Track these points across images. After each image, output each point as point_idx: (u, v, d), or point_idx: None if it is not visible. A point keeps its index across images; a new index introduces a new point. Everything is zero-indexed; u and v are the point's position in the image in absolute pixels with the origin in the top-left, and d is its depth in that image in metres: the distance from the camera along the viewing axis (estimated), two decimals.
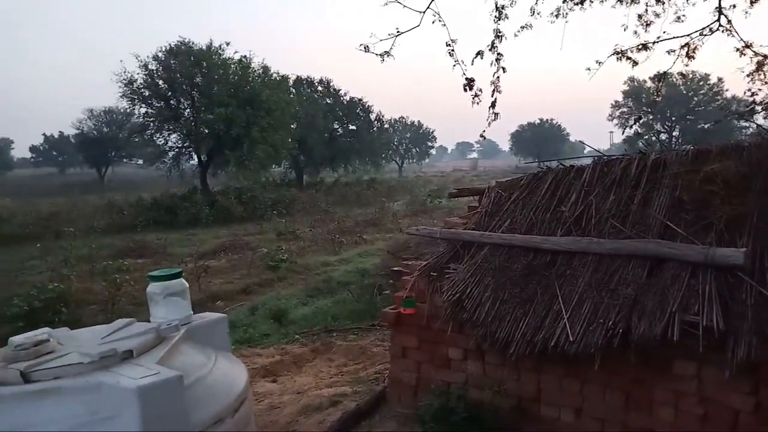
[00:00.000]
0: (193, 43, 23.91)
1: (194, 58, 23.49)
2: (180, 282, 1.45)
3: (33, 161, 79.46)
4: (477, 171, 61.71)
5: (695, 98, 44.61)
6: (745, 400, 2.59)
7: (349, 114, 36.89)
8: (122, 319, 1.43)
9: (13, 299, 6.99)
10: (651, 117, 44.40)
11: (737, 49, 6.01)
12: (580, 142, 8.61)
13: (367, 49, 4.19)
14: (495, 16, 4.34)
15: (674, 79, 34.42)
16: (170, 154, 25.86)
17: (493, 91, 4.37)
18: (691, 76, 41.40)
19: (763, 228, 2.78)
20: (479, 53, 4.19)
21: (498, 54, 4.29)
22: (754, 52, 5.94)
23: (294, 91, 31.58)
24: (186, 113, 24.24)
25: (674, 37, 6.07)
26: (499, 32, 4.30)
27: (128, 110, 27.60)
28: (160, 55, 23.59)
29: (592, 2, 5.58)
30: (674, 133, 45.29)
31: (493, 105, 4.43)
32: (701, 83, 43.96)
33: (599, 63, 5.96)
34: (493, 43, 4.28)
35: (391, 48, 4.29)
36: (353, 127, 37.20)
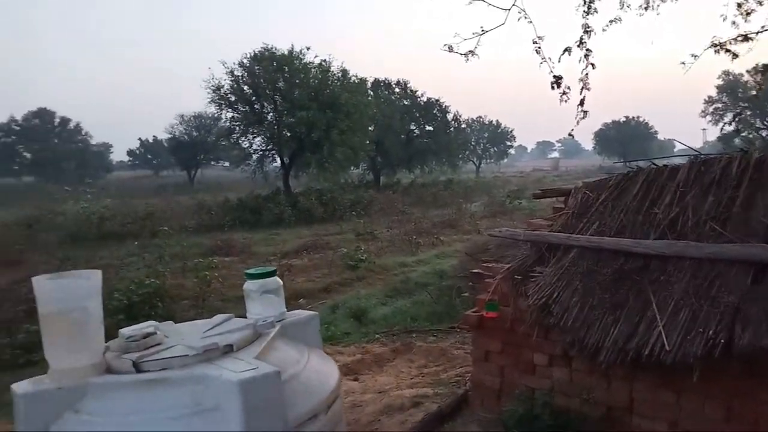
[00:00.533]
0: (275, 49, 24.72)
1: (277, 63, 24.27)
2: (275, 280, 1.50)
3: (130, 164, 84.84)
4: (558, 171, 59.89)
5: None
6: None
7: (426, 115, 36.85)
8: (221, 314, 1.49)
9: (113, 293, 7.48)
10: (749, 113, 41.41)
11: None
12: (672, 140, 8.17)
13: (451, 49, 4.17)
14: (583, 11, 4.19)
15: None
16: (254, 156, 26.83)
17: (582, 88, 4.23)
18: None
19: None
20: (567, 50, 4.07)
21: (587, 50, 4.14)
22: None
23: (372, 93, 31.93)
24: (269, 117, 25.09)
25: None
26: (588, 27, 4.15)
27: (216, 115, 28.89)
28: (245, 61, 24.58)
29: None
30: None
31: (581, 103, 4.29)
32: None
33: (695, 56, 5.61)
34: (581, 38, 4.14)
35: (475, 47, 4.24)
36: (430, 128, 37.13)
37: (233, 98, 24.57)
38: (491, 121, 70.06)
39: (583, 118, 4.32)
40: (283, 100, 24.35)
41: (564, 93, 4.18)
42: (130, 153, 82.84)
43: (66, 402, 1.12)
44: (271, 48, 24.72)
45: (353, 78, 26.49)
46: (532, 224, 4.08)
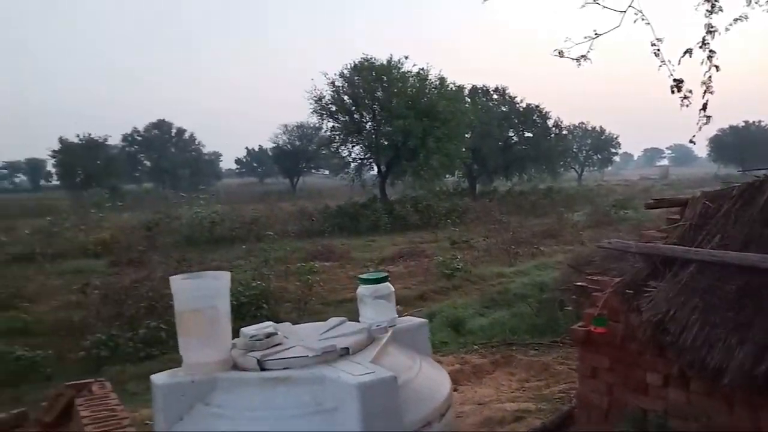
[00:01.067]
0: (374, 59, 25.19)
1: (376, 73, 24.71)
2: (386, 286, 1.52)
3: (237, 172, 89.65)
4: (668, 180, 56.23)
5: None
6: None
7: (525, 121, 35.95)
8: (335, 317, 1.54)
9: None
10: None
11: None
12: None
13: (561, 54, 4.04)
14: (707, 10, 3.91)
15: None
16: (353, 165, 27.41)
17: (704, 92, 3.94)
18: None
19: None
20: (688, 51, 3.81)
21: (710, 51, 3.85)
22: None
23: (469, 100, 31.66)
24: (368, 126, 25.57)
25: None
26: (711, 27, 3.86)
27: (317, 125, 29.86)
28: (345, 72, 25.25)
29: None
30: None
31: (704, 107, 3.99)
32: None
33: None
34: (703, 39, 3.86)
35: (588, 51, 4.07)
36: (529, 135, 36.16)
37: (334, 108, 25.29)
38: (594, 127, 67.16)
39: (706, 123, 4.02)
40: (381, 109, 24.74)
41: (685, 97, 3.92)
42: (237, 161, 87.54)
43: (198, 394, 1.20)
44: (371, 58, 25.23)
45: (450, 86, 26.43)
46: (644, 236, 3.85)
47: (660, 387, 3.28)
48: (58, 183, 61.85)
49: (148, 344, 6.91)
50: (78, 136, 50.49)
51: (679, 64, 3.94)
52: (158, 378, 1.24)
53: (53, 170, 59.84)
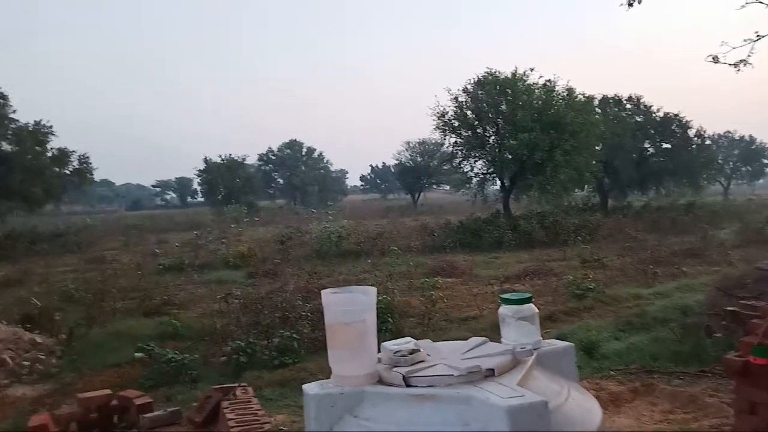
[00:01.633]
0: (499, 73, 24.90)
1: (500, 86, 24.40)
2: (530, 307, 1.48)
3: (362, 188, 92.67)
4: None
5: None
6: None
7: (663, 131, 33.53)
8: (476, 337, 1.52)
9: None
10: None
11: None
12: None
13: (716, 59, 3.74)
14: None
15: None
16: (475, 180, 27.18)
17: None
18: None
19: None
20: None
21: None
22: None
23: (600, 111, 30.20)
24: (491, 140, 25.26)
25: None
26: None
27: (439, 141, 30.01)
28: (468, 87, 25.19)
29: None
30: None
31: None
32: None
33: None
34: None
35: (748, 56, 3.73)
36: (667, 146, 33.68)
37: (456, 123, 25.29)
38: (743, 137, 61.16)
39: None
40: (505, 122, 24.35)
41: None
42: (362, 178, 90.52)
43: (347, 406, 1.24)
44: (495, 72, 24.98)
45: (579, 96, 25.41)
46: None
47: None
48: (202, 199, 67.74)
49: (282, 353, 7.27)
50: (220, 156, 55.08)
51: None
52: (310, 388, 1.30)
53: (198, 188, 65.53)
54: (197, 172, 55.80)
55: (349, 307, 1.27)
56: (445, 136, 26.19)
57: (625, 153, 29.98)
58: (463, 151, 26.06)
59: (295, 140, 73.80)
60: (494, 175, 26.12)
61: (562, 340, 5.21)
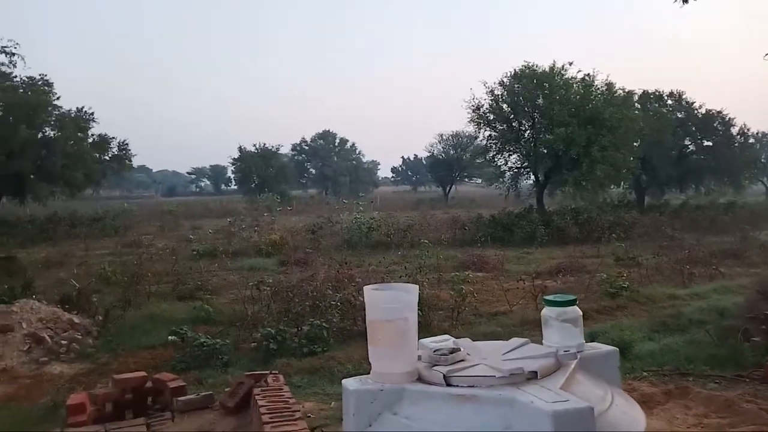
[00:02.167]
0: (536, 66, 24.53)
1: (537, 80, 24.03)
2: (574, 309, 1.45)
3: (393, 180, 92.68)
4: None
5: None
6: None
7: (704, 129, 32.59)
8: (516, 338, 1.50)
9: None
10: None
11: None
12: None
13: None
14: None
15: None
16: (508, 174, 26.89)
17: None
18: None
19: None
20: None
21: None
22: None
23: (639, 106, 29.49)
24: (526, 134, 24.95)
25: None
26: None
27: (474, 134, 29.74)
28: (505, 80, 24.87)
29: None
30: None
31: None
32: None
33: None
34: None
35: None
36: (708, 143, 32.74)
37: (491, 117, 25.02)
38: None
39: None
40: (541, 117, 24.00)
41: None
42: (393, 170, 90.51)
43: (386, 402, 1.23)
44: (532, 65, 24.62)
45: (619, 91, 24.85)
46: None
47: None
48: (236, 188, 68.72)
49: (311, 341, 7.32)
50: (254, 145, 55.78)
51: None
52: (350, 383, 1.29)
53: (232, 176, 66.52)
54: (231, 161, 56.66)
55: (391, 305, 1.26)
56: (479, 129, 25.97)
57: (664, 150, 29.26)
58: (498, 145, 25.79)
59: (329, 131, 74.19)
60: (528, 169, 25.80)
61: (593, 338, 5.11)
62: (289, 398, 3.32)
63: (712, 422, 4.53)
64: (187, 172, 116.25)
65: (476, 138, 30.42)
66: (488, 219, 22.45)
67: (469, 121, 25.61)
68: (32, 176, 25.28)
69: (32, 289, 10.07)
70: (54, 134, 26.47)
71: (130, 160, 30.60)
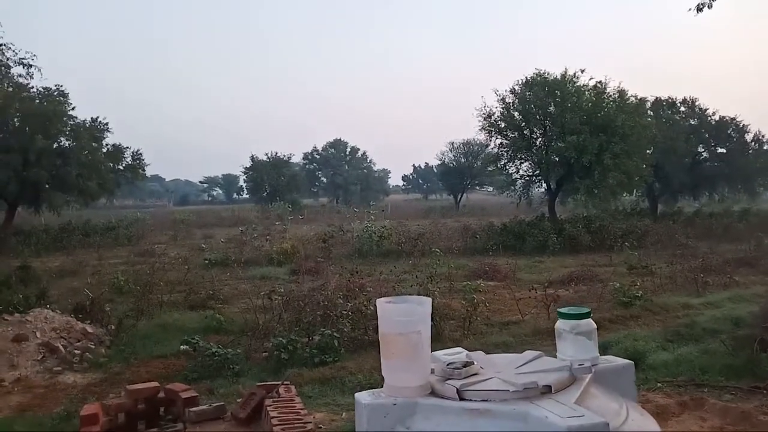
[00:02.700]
0: (548, 74, 24.48)
1: (548, 88, 23.97)
2: (588, 322, 1.44)
3: (403, 188, 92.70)
4: None
5: None
6: None
7: (718, 135, 32.32)
8: (530, 351, 1.49)
9: None
10: None
11: None
12: None
13: None
14: None
15: None
16: (520, 182, 26.80)
17: None
18: None
19: None
20: None
21: None
22: None
23: (652, 113, 29.32)
24: (538, 142, 24.87)
25: None
26: None
27: (485, 142, 29.69)
28: (516, 88, 24.84)
29: None
30: None
31: None
32: None
33: None
34: None
35: None
36: (722, 150, 32.45)
37: (503, 125, 24.97)
38: None
39: None
40: (552, 124, 23.93)
41: None
42: (404, 178, 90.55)
43: (399, 417, 1.23)
44: (544, 72, 24.57)
45: (631, 99, 24.73)
46: None
47: None
48: (248, 196, 69.08)
49: (322, 351, 7.31)
50: (266, 154, 56.06)
51: None
52: (363, 397, 1.29)
53: (244, 185, 66.90)
54: (243, 170, 57.00)
55: (404, 318, 1.26)
56: (490, 137, 25.92)
57: (677, 157, 29.02)
58: (509, 153, 25.72)
59: (340, 140, 74.44)
60: (540, 177, 25.69)
61: (606, 348, 5.07)
62: (301, 409, 3.32)
63: None
64: (200, 181, 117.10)
65: (487, 146, 30.36)
66: (500, 227, 22.37)
67: (480, 129, 25.61)
68: (48, 185, 25.59)
69: (46, 298, 10.16)
70: (69, 144, 26.81)
71: (144, 170, 30.88)
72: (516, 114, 24.77)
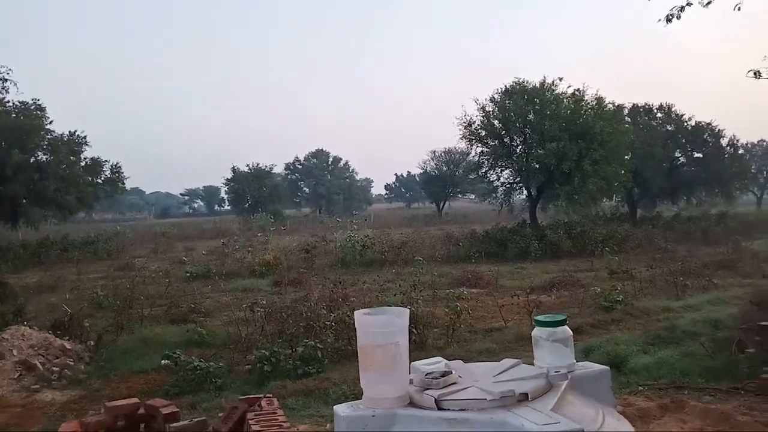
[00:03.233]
0: (527, 82, 24.76)
1: (527, 96, 24.24)
2: (564, 329, 1.45)
3: (386, 197, 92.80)
4: None
5: None
6: None
7: (694, 140, 32.96)
8: (509, 359, 1.50)
9: None
10: None
11: None
12: None
13: (758, 75, 3.64)
14: None
15: None
16: (501, 189, 26.99)
17: None
18: None
19: None
20: None
21: None
22: None
23: (629, 120, 29.79)
24: (518, 150, 25.10)
25: None
26: None
27: (466, 150, 29.91)
28: (496, 96, 25.08)
29: None
30: None
31: None
32: None
33: None
34: None
35: None
36: (699, 155, 33.07)
37: (483, 133, 25.17)
38: None
39: None
40: (532, 132, 24.18)
41: None
42: (387, 187, 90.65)
43: (378, 428, 1.23)
44: (523, 81, 24.85)
45: (609, 105, 25.11)
46: None
47: None
48: (229, 208, 68.61)
49: (306, 362, 7.27)
50: (248, 165, 55.78)
51: None
52: (341, 409, 1.29)
53: (226, 196, 66.45)
54: (225, 181, 56.63)
55: (382, 329, 1.26)
56: (471, 145, 26.12)
57: (655, 162, 29.51)
58: (490, 161, 25.91)
59: (322, 150, 74.39)
60: (521, 184, 25.91)
61: (588, 353, 5.11)
62: (284, 422, 3.29)
63: None
64: (181, 194, 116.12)
65: (468, 154, 30.63)
66: (482, 234, 22.49)
67: (461, 138, 25.78)
68: (25, 200, 25.18)
69: (24, 315, 9.96)
70: (47, 158, 26.45)
71: (123, 183, 30.55)
72: (496, 122, 24.99)
